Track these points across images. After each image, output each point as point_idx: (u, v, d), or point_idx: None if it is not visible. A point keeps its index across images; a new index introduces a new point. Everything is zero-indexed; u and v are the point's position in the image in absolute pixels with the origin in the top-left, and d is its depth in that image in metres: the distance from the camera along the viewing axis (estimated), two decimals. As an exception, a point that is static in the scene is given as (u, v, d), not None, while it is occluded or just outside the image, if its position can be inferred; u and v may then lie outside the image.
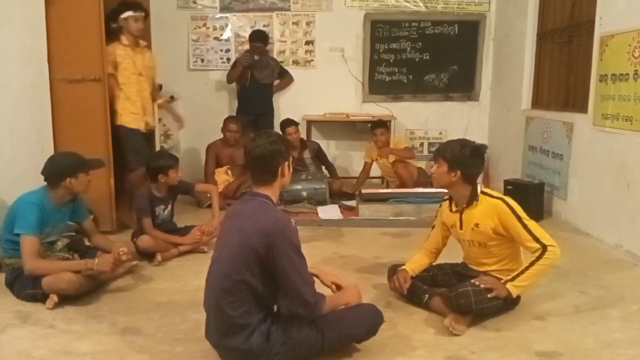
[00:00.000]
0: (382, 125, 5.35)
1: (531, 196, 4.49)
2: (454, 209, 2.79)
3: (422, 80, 6.29)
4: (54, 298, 2.76)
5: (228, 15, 6.10)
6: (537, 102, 5.28)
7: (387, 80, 6.28)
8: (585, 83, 4.26)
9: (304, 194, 4.90)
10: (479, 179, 2.79)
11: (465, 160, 2.64)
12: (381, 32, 6.18)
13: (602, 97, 3.98)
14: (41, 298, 2.80)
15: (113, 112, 4.13)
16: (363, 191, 4.75)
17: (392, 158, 5.29)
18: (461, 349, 2.38)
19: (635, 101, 3.61)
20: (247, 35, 5.87)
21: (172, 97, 5.98)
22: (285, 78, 6.08)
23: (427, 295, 2.75)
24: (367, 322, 2.28)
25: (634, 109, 3.61)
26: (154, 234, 3.56)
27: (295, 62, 6.21)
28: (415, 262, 2.88)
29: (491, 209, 2.64)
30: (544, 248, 2.53)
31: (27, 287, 2.82)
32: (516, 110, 5.48)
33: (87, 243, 3.28)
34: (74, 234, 3.23)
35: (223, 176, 5.24)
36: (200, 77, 6.15)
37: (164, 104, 4.85)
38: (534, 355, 2.34)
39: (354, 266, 3.46)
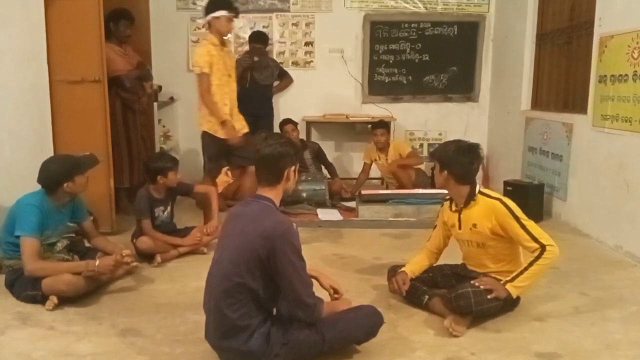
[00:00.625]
0: (382, 125, 5.35)
1: (531, 197, 4.49)
2: (453, 208, 2.80)
3: (422, 81, 6.30)
4: (53, 299, 2.76)
5: (228, 16, 6.09)
6: (537, 103, 5.29)
7: (386, 81, 6.29)
8: (584, 84, 4.26)
9: (304, 194, 4.89)
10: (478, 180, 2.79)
11: (449, 159, 2.65)
12: (381, 33, 6.18)
13: (601, 98, 3.99)
14: (41, 299, 2.79)
15: (202, 115, 4.14)
16: (363, 192, 4.75)
17: (392, 157, 5.29)
18: (461, 350, 2.38)
19: (634, 102, 3.61)
20: (246, 36, 5.87)
21: (171, 98, 6.00)
22: (284, 79, 6.08)
23: (427, 297, 2.75)
24: (367, 324, 2.28)
25: (633, 110, 3.62)
26: (153, 235, 3.56)
27: (295, 63, 6.21)
28: (415, 264, 2.88)
29: (489, 209, 2.64)
30: (543, 248, 2.53)
31: (27, 289, 2.82)
32: (516, 111, 5.49)
33: (86, 244, 3.28)
34: (73, 235, 3.22)
35: (222, 177, 5.24)
36: (200, 78, 6.14)
37: None
38: (533, 357, 2.34)
39: (353, 267, 3.46)
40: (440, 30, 6.20)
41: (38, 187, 2.99)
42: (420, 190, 4.71)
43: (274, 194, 2.19)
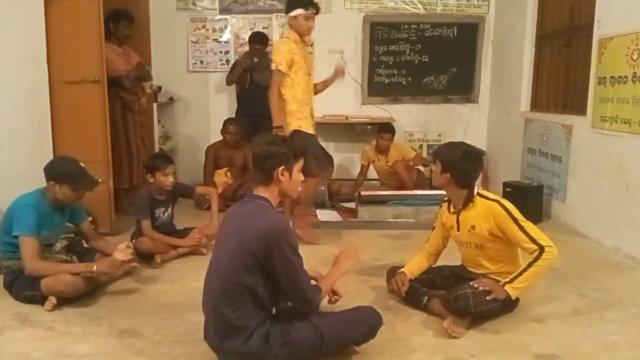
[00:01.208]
0: (391, 130, 5.38)
1: (530, 198, 4.49)
2: (451, 210, 2.80)
3: (421, 82, 6.29)
4: (52, 300, 2.76)
5: (227, 17, 6.09)
6: (536, 104, 5.29)
7: (386, 82, 6.28)
8: (584, 85, 4.27)
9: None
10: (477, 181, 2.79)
11: (455, 164, 2.64)
12: (380, 34, 6.18)
13: (600, 99, 3.99)
14: (40, 300, 2.79)
15: (289, 115, 3.87)
16: (362, 193, 4.75)
17: (392, 159, 5.29)
18: (460, 351, 2.38)
19: (633, 104, 3.62)
20: (246, 37, 5.86)
21: (171, 99, 5.99)
22: (285, 80, 6.06)
23: (426, 298, 2.76)
24: (366, 325, 2.28)
25: (633, 112, 3.62)
26: (153, 236, 3.56)
27: (295, 64, 6.20)
28: (414, 265, 2.88)
29: (487, 211, 2.64)
30: (542, 249, 2.53)
31: (26, 289, 2.82)
32: (515, 113, 5.49)
33: (85, 245, 3.27)
34: (72, 235, 3.22)
35: (222, 178, 5.24)
36: (200, 79, 6.13)
37: None
38: (532, 358, 2.35)
39: (352, 268, 3.44)
40: (439, 31, 6.19)
41: (37, 187, 2.99)
42: (419, 192, 4.72)
43: (269, 194, 2.19)
